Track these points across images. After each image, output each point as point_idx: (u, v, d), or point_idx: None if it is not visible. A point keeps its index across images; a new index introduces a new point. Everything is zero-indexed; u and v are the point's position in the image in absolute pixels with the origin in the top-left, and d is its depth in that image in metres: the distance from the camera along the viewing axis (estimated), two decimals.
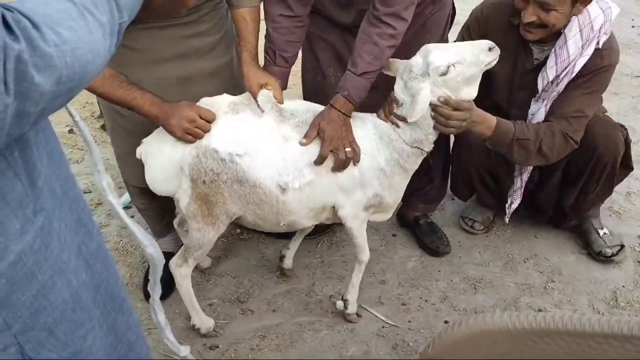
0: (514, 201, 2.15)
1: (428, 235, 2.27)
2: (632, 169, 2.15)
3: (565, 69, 1.83)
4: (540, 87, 1.90)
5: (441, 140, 1.97)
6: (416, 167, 1.77)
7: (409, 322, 1.94)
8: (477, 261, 2.23)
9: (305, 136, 1.64)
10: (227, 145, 1.61)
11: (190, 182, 1.64)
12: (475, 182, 2.27)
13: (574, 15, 1.79)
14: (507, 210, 2.18)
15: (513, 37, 1.92)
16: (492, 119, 1.81)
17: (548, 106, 1.92)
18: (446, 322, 1.93)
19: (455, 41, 1.96)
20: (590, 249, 2.20)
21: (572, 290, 2.07)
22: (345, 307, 1.92)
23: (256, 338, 1.89)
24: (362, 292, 2.05)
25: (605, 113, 2.11)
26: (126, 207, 2.46)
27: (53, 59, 0.65)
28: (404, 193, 1.93)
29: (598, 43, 1.82)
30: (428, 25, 1.95)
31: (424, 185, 2.25)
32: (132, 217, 2.44)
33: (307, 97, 2.09)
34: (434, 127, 1.68)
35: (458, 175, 2.31)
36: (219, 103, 1.67)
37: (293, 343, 1.87)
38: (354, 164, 1.67)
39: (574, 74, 1.85)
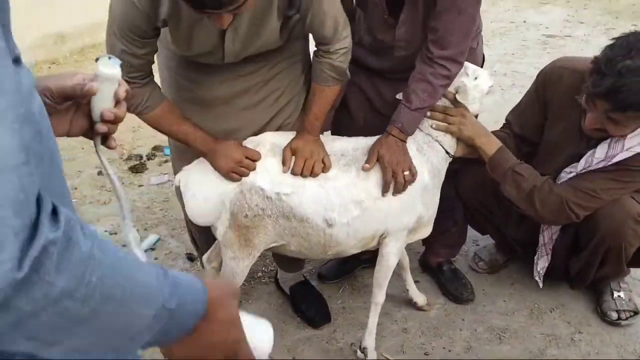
0: (540, 258, 2.08)
1: (452, 282, 2.24)
2: None
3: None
4: (580, 166, 1.86)
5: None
6: (444, 176, 1.87)
7: None
8: (502, 310, 2.18)
9: (367, 161, 1.72)
10: (273, 184, 1.67)
11: (230, 215, 1.68)
12: (475, 214, 2.22)
13: None
14: (535, 269, 2.12)
15: (575, 113, 1.87)
16: (497, 141, 1.91)
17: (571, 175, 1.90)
18: None
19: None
20: (599, 308, 2.13)
21: (601, 343, 2.01)
22: (365, 355, 1.89)
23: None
24: (384, 340, 2.03)
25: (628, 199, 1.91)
26: (150, 249, 2.50)
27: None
28: (427, 238, 1.98)
29: None
30: None
31: (448, 228, 2.23)
32: (155, 259, 2.49)
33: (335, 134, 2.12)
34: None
35: (467, 209, 2.27)
36: (264, 142, 1.73)
37: None
38: (411, 184, 1.74)
39: (610, 163, 1.80)
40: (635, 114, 1.66)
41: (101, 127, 0.83)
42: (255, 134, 1.78)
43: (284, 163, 1.70)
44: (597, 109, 1.71)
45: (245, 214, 1.66)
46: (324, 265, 2.39)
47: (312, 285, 2.26)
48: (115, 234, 2.66)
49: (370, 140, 1.81)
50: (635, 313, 2.08)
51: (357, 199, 1.70)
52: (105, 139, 0.86)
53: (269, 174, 1.68)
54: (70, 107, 0.83)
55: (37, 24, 4.81)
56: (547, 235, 2.05)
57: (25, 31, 4.73)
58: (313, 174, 1.69)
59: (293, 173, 1.68)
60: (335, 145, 1.79)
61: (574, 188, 1.85)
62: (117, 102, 0.84)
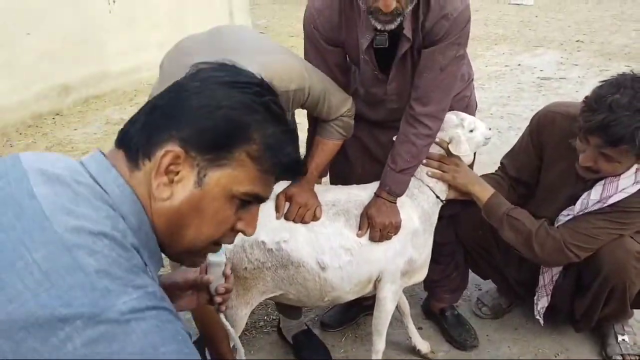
0: (540, 298, 2.09)
1: (455, 328, 2.23)
2: None
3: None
4: (577, 209, 1.89)
5: None
6: (436, 220, 1.90)
7: None
8: (507, 356, 2.15)
9: (360, 228, 1.76)
10: (273, 234, 1.69)
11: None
12: (476, 257, 2.23)
13: (636, 164, 1.77)
14: (535, 309, 2.12)
15: (570, 155, 1.88)
16: (490, 188, 1.95)
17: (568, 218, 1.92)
18: None
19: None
20: (604, 352, 2.11)
21: None
22: None
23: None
24: None
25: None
26: None
27: None
28: (428, 284, 1.98)
29: None
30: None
31: (449, 273, 2.23)
32: None
33: (334, 184, 2.16)
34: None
35: (467, 252, 2.27)
36: None
37: None
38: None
39: (605, 205, 1.83)
40: (627, 148, 1.67)
41: (218, 299, 1.08)
42: None
43: (277, 210, 1.74)
44: (590, 146, 1.74)
45: (245, 267, 1.68)
46: (327, 313, 2.38)
47: (315, 334, 2.24)
48: None
49: (363, 191, 1.85)
50: None
51: (345, 246, 1.75)
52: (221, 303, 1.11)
53: (268, 224, 1.71)
54: (193, 290, 1.12)
55: (41, 76, 4.93)
56: (547, 277, 2.05)
57: (30, 84, 4.87)
58: (303, 222, 1.73)
59: (285, 219, 1.73)
60: (328, 196, 1.83)
61: (571, 230, 1.87)
62: (226, 278, 1.09)
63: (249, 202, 0.88)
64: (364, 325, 2.35)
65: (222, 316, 1.13)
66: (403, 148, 1.78)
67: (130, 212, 0.81)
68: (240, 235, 1.59)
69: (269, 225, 1.71)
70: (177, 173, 0.82)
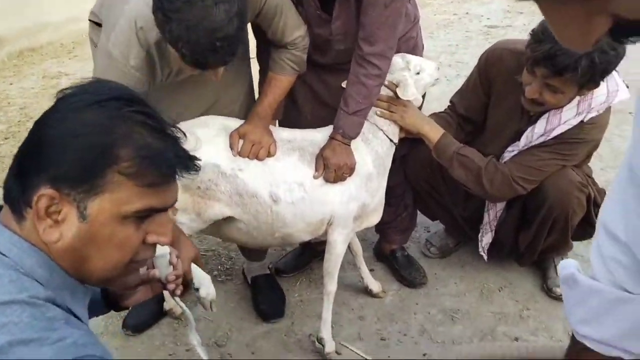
0: (485, 235, 2.18)
1: (405, 268, 2.30)
2: (594, 228, 2.15)
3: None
4: (522, 144, 1.97)
5: None
6: (390, 164, 1.93)
7: (389, 356, 1.94)
8: (454, 292, 2.25)
9: (316, 169, 1.78)
10: (229, 161, 1.72)
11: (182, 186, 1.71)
12: (424, 197, 2.29)
13: (577, 96, 1.83)
14: (480, 245, 2.21)
15: (516, 93, 1.94)
16: (439, 128, 2.00)
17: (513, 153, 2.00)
18: (425, 354, 1.94)
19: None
20: (545, 284, 2.23)
21: (547, 317, 2.10)
22: (323, 345, 1.92)
23: (205, 349, 1.85)
24: (342, 329, 2.06)
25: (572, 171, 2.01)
26: None
27: None
28: (379, 226, 2.03)
29: (585, 117, 1.87)
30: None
31: (399, 214, 2.29)
32: None
33: None
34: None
35: (415, 193, 2.33)
36: (213, 122, 1.78)
37: None
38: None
39: (549, 138, 1.91)
40: (571, 77, 1.72)
41: (171, 287, 1.11)
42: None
43: (231, 147, 1.74)
44: (536, 77, 1.79)
45: (197, 186, 1.70)
46: (281, 259, 2.41)
47: (274, 278, 2.27)
48: None
49: (318, 133, 1.86)
50: None
51: (299, 181, 1.76)
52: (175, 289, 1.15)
53: (224, 152, 1.73)
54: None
55: None
56: (492, 214, 2.14)
57: None
58: (257, 159, 1.74)
59: (239, 156, 1.73)
60: (283, 134, 1.85)
61: (517, 164, 1.95)
62: (174, 266, 1.11)
63: (150, 214, 0.85)
64: (317, 270, 2.39)
65: (177, 299, 1.16)
66: (354, 89, 1.77)
67: (36, 264, 0.81)
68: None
69: (226, 154, 1.73)
70: (59, 213, 0.80)
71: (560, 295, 2.13)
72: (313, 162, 1.79)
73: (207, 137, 1.73)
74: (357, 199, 1.85)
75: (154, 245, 0.90)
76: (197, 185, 1.69)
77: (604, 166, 2.99)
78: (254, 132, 1.74)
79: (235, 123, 1.80)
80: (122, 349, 1.99)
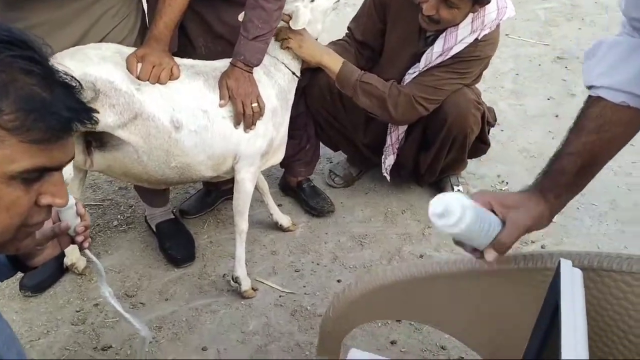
0: (387, 157, 2.26)
1: (312, 198, 2.33)
2: (489, 145, 2.31)
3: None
4: (422, 65, 2.01)
5: None
6: (292, 97, 1.90)
7: (304, 287, 1.98)
8: (360, 218, 2.32)
9: (221, 97, 1.70)
10: (127, 78, 1.60)
11: None
12: (326, 127, 2.32)
13: (470, 12, 1.89)
14: (383, 167, 2.28)
15: (412, 15, 1.96)
16: (339, 57, 1.99)
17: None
18: (339, 281, 2.00)
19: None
20: None
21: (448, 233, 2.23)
22: (239, 284, 1.92)
23: (152, 331, 1.82)
24: (256, 266, 2.07)
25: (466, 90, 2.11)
26: None
27: None
28: (284, 160, 2.02)
29: (479, 34, 1.94)
30: None
31: (303, 146, 2.29)
32: None
33: None
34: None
35: (317, 123, 2.35)
36: (107, 46, 1.66)
37: (191, 329, 1.83)
38: (259, 119, 1.75)
39: (447, 57, 1.96)
40: None
41: (79, 239, 1.03)
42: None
43: (130, 70, 1.61)
44: None
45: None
46: (185, 202, 2.33)
47: (181, 222, 2.20)
48: None
49: (218, 62, 1.78)
50: None
51: (203, 108, 1.69)
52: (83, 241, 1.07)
53: (119, 71, 1.60)
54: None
55: None
56: (394, 137, 2.20)
57: None
58: (159, 82, 1.63)
59: (139, 79, 1.62)
60: (183, 60, 1.75)
61: (418, 84, 2.00)
62: (81, 217, 1.02)
63: (42, 174, 0.76)
64: (224, 210, 2.35)
65: (87, 252, 1.09)
66: (253, 14, 1.69)
67: None
68: (82, 69, 1.49)
69: (122, 72, 1.61)
70: None
71: None
72: (217, 89, 1.71)
73: (101, 56, 1.60)
74: (264, 135, 1.80)
75: (48, 207, 0.80)
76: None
77: (487, 87, 3.16)
78: (153, 54, 1.62)
79: (130, 50, 1.67)
80: (22, 312, 1.86)
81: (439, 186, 2.42)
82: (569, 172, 0.90)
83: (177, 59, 1.73)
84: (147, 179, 1.78)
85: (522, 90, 3.36)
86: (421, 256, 2.11)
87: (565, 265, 0.78)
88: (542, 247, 2.18)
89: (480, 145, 2.26)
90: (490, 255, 0.89)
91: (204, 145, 1.72)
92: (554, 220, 2.34)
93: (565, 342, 0.68)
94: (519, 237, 0.91)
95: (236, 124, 1.73)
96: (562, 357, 0.66)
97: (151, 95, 1.63)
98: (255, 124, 1.76)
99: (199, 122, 1.69)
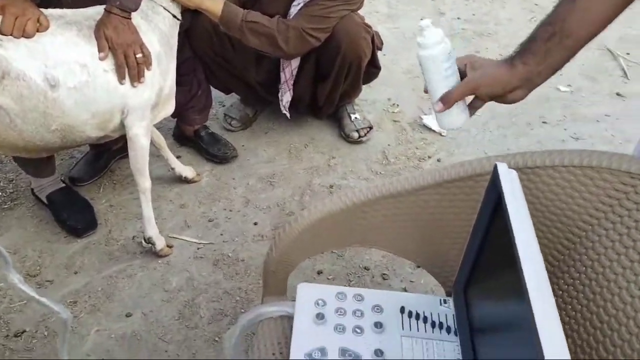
0: (284, 94, 2.22)
1: (213, 145, 2.25)
2: (379, 68, 2.35)
3: None
4: None
5: None
6: (176, 42, 1.79)
7: (221, 235, 1.95)
8: (265, 159, 2.29)
9: (100, 50, 1.54)
10: None
11: None
12: (215, 69, 2.24)
13: None
14: (281, 105, 2.25)
15: None
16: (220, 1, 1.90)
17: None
18: (255, 223, 1.99)
19: None
20: (342, 132, 2.40)
21: (351, 161, 2.29)
22: (153, 244, 1.83)
23: (66, 307, 1.70)
24: (166, 222, 1.98)
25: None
26: None
27: None
28: (176, 109, 1.92)
29: None
30: None
31: (195, 93, 2.18)
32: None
33: None
34: None
35: (205, 67, 2.25)
36: None
37: (110, 297, 1.74)
38: (148, 69, 1.62)
39: None
40: None
41: None
42: None
43: None
44: None
45: None
46: (73, 168, 2.15)
47: (74, 190, 2.03)
48: None
49: (92, 10, 1.60)
50: (371, 128, 2.39)
51: (81, 62, 1.53)
52: None
53: None
54: None
55: None
56: (288, 72, 2.17)
57: None
58: (26, 35, 1.45)
59: (1, 33, 1.43)
60: (51, 10, 1.56)
61: (306, 16, 1.97)
62: None
63: None
64: (118, 171, 2.21)
65: None
66: None
67: None
68: None
69: None
70: None
71: (359, 138, 2.35)
72: (94, 40, 1.55)
73: None
74: (151, 85, 1.68)
75: None
76: None
77: (363, 12, 3.17)
78: (14, 4, 1.42)
79: None
80: None
81: (336, 117, 2.45)
82: (540, 39, 0.89)
83: (43, 10, 1.54)
84: (24, 146, 1.60)
85: (396, 13, 3.44)
86: (331, 186, 2.15)
87: (502, 167, 0.83)
88: (438, 160, 2.31)
89: (372, 70, 2.30)
90: (437, 106, 0.97)
91: (86, 103, 1.56)
92: (443, 134, 2.48)
93: (517, 237, 0.72)
94: (465, 94, 0.96)
95: (120, 77, 1.59)
96: (519, 257, 0.70)
97: (17, 51, 1.44)
98: (143, 76, 1.63)
99: (78, 77, 1.53)
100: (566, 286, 0.86)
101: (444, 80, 0.95)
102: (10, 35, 1.43)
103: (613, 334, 0.77)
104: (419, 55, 0.95)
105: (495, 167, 0.84)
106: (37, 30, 1.47)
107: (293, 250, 1.05)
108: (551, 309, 0.65)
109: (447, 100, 0.95)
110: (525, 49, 0.90)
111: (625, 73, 2.84)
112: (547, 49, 0.88)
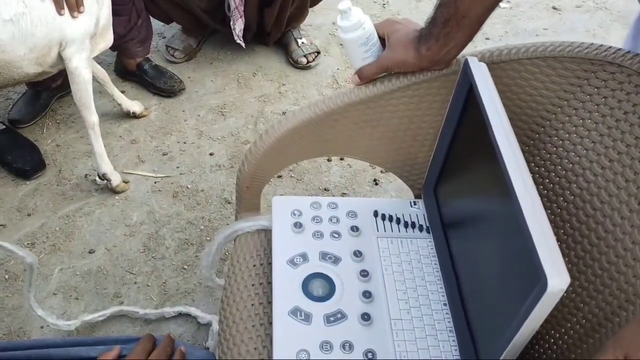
0: (236, 22, 2.15)
1: (159, 78, 2.17)
2: None
3: None
4: None
5: None
6: None
7: (178, 167, 1.92)
8: (213, 89, 2.24)
9: None
10: None
11: None
12: None
13: None
14: (234, 34, 2.18)
15: None
16: None
17: None
18: (211, 154, 1.96)
19: None
20: (291, 59, 2.36)
21: (302, 87, 2.27)
22: (109, 180, 1.79)
23: (25, 249, 1.65)
24: (119, 158, 1.93)
25: None
26: None
27: None
28: (116, 42, 1.84)
29: None
30: None
31: (135, 22, 2.07)
32: None
33: None
34: None
35: None
36: None
37: (69, 236, 1.70)
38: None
39: None
40: None
41: None
42: None
43: None
44: None
45: None
46: (12, 109, 2.03)
47: (17, 132, 1.93)
48: None
49: None
50: (318, 53, 2.37)
51: None
52: None
53: None
54: None
55: None
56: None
57: None
58: None
59: None
60: None
61: None
62: None
63: None
64: (60, 109, 2.10)
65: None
66: None
67: None
68: None
69: None
70: None
71: (307, 63, 2.33)
72: None
73: None
74: (89, 13, 1.59)
75: None
76: None
77: None
78: None
79: None
80: None
81: (282, 44, 2.40)
82: (438, 23, 0.90)
83: None
84: None
85: None
86: (284, 113, 2.13)
87: (473, 61, 0.85)
88: None
89: None
90: (354, 79, 1.02)
91: (24, 37, 1.47)
92: None
93: (493, 123, 0.76)
94: (376, 75, 1.00)
95: (59, 7, 1.49)
96: (497, 143, 0.74)
97: None
98: (82, 4, 1.54)
99: (14, 9, 1.43)
100: (537, 168, 0.91)
101: (361, 61, 1.00)
102: None
103: (578, 212, 0.83)
104: (339, 36, 1.02)
105: (466, 61, 0.86)
106: None
107: (265, 164, 1.05)
108: (533, 191, 0.69)
109: (362, 77, 1.00)
110: (428, 34, 0.91)
111: None
112: (446, 33, 0.89)
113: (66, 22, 1.53)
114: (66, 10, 1.51)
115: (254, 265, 1.02)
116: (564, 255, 0.80)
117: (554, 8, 2.76)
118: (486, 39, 2.54)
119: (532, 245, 0.64)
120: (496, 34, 2.58)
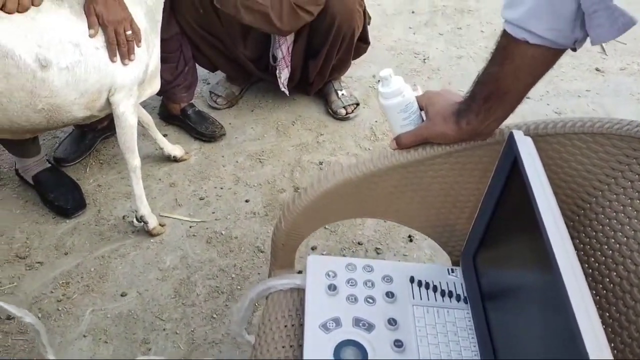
0: (282, 72, 2.20)
1: (201, 123, 2.22)
2: (369, 43, 2.35)
3: None
4: None
5: None
6: (160, 17, 1.76)
7: (213, 213, 1.93)
8: (253, 136, 2.28)
9: (90, 26, 1.50)
10: None
11: None
12: (201, 46, 2.21)
13: None
14: (279, 82, 2.23)
15: None
16: None
17: None
18: (247, 201, 1.98)
19: None
20: (330, 109, 2.40)
21: (339, 137, 2.29)
22: (145, 223, 1.81)
23: (59, 288, 1.68)
24: (157, 201, 1.96)
25: None
26: None
27: None
28: (163, 87, 1.90)
29: None
30: None
31: (181, 69, 2.15)
32: None
33: None
34: None
35: (192, 44, 2.21)
36: None
37: (103, 277, 1.71)
38: (138, 46, 1.58)
39: None
40: None
41: None
42: None
43: None
44: None
45: None
46: (58, 148, 2.10)
47: (61, 170, 1.99)
48: None
49: None
50: (357, 104, 2.39)
51: (74, 41, 1.49)
52: None
53: None
54: None
55: None
56: (285, 49, 2.15)
57: None
58: (21, 8, 1.40)
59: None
60: None
61: None
62: None
63: None
64: (104, 150, 2.17)
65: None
66: None
67: None
68: None
69: None
70: None
71: (346, 114, 2.35)
72: (84, 15, 1.51)
73: None
74: (139, 61, 1.65)
75: None
76: None
77: None
78: None
79: None
80: None
81: (322, 94, 2.44)
82: (479, 98, 0.89)
83: None
84: (9, 127, 1.56)
85: None
86: (320, 163, 2.15)
87: (518, 134, 0.84)
88: None
89: (362, 45, 2.29)
90: (392, 144, 1.02)
91: (76, 83, 1.52)
92: None
93: (538, 199, 0.74)
94: (414, 144, 0.99)
95: (112, 55, 1.55)
96: (541, 217, 0.72)
97: (7, 27, 1.39)
98: (133, 52, 1.60)
99: (71, 57, 1.48)
100: (582, 245, 0.88)
101: (400, 128, 1.00)
102: (1, 10, 1.37)
103: (625, 296, 0.80)
104: (379, 102, 1.01)
105: (511, 134, 0.86)
106: (33, 4, 1.42)
107: (302, 222, 1.05)
108: (577, 270, 0.67)
109: (400, 145, 1.00)
110: (467, 108, 0.91)
111: (603, 49, 2.89)
112: (487, 108, 0.89)
113: (117, 69, 1.59)
114: (118, 58, 1.57)
115: (285, 326, 1.01)
116: (609, 340, 0.76)
117: (597, 70, 2.74)
118: (527, 97, 2.52)
119: (577, 328, 0.62)
120: (537, 93, 2.56)
